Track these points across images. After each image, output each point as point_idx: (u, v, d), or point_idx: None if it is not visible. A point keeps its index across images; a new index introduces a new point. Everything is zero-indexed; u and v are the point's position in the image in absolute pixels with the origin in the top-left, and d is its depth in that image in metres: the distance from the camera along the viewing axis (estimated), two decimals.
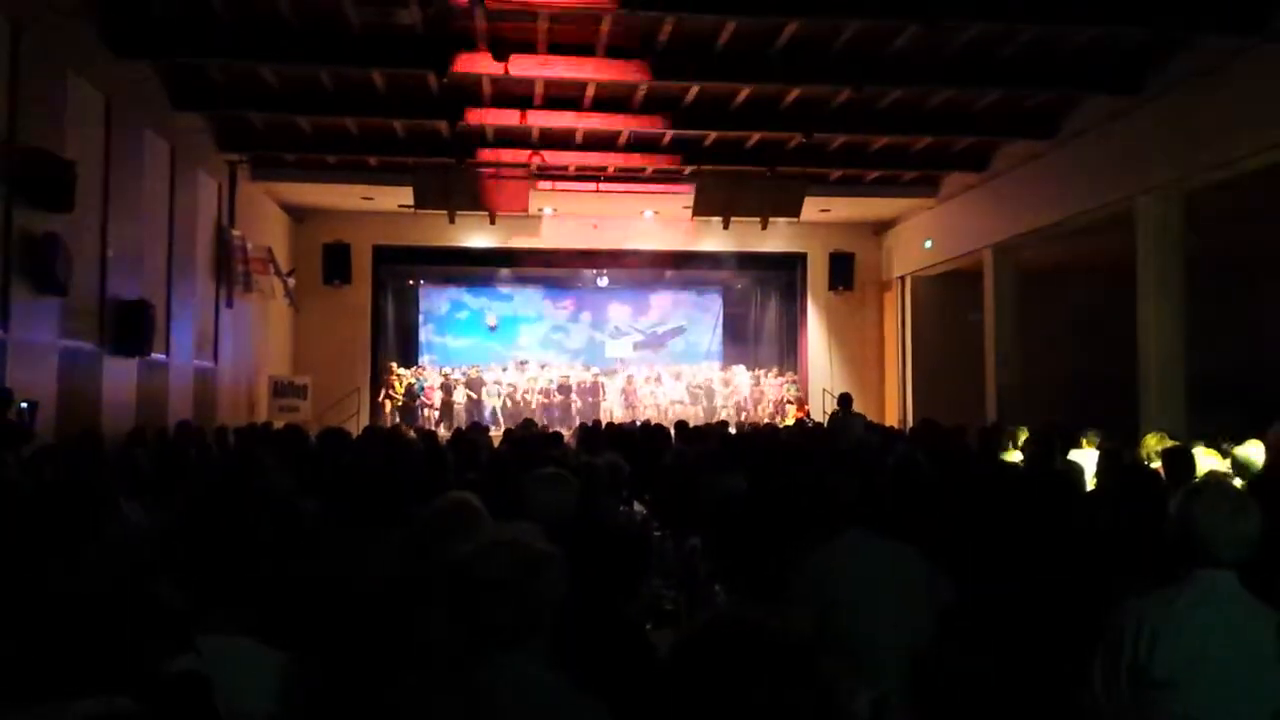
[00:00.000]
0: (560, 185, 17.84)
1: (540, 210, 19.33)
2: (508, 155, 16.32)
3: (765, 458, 8.08)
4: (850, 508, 4.21)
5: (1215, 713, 2.68)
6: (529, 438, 9.81)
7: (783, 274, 22.69)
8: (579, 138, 15.88)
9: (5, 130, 9.45)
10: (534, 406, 21.36)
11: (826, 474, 5.36)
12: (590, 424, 13.35)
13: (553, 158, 16.36)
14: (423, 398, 21.29)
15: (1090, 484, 6.18)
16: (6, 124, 9.47)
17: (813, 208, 18.01)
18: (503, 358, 23.14)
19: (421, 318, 23.70)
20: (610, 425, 13.27)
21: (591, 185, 17.74)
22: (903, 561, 3.91)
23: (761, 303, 24.27)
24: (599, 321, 24.46)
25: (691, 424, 13.50)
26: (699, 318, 24.86)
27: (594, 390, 22.10)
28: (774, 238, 19.68)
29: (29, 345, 9.76)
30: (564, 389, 21.93)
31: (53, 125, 10.24)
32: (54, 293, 10.06)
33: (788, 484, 5.89)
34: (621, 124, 15.07)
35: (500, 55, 12.01)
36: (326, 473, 5.80)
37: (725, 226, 17.98)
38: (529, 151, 15.92)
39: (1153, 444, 6.80)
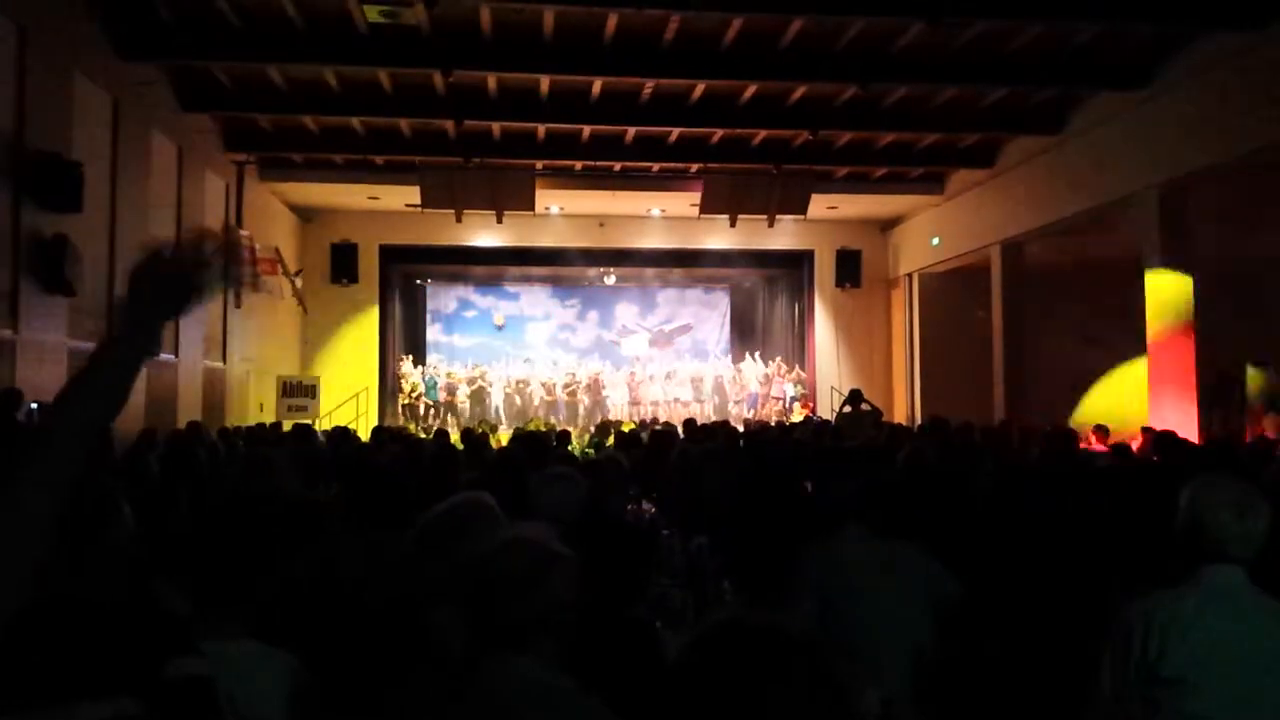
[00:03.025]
0: (567, 184, 17.87)
1: (547, 209, 19.33)
2: (514, 155, 16.33)
3: (772, 455, 8.06)
4: (855, 505, 4.19)
5: (1226, 710, 2.66)
6: (537, 436, 9.79)
7: (790, 271, 22.66)
8: (585, 137, 15.88)
9: (13, 132, 9.49)
10: (537, 404, 21.35)
11: (832, 471, 5.36)
12: (600, 423, 13.38)
13: (559, 157, 16.38)
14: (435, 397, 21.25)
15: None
16: (14, 126, 9.51)
17: (820, 205, 18.01)
18: (510, 357, 23.14)
19: (429, 317, 23.73)
20: (618, 424, 13.28)
21: (598, 184, 17.77)
22: (905, 559, 3.90)
23: (769, 300, 24.24)
24: (606, 320, 24.46)
25: (698, 421, 13.47)
26: (706, 315, 24.86)
27: (598, 388, 22.05)
28: (781, 235, 19.67)
29: (38, 345, 9.80)
30: (568, 387, 21.91)
31: (60, 127, 10.28)
32: (63, 293, 10.09)
33: (793, 482, 5.89)
34: (627, 123, 15.07)
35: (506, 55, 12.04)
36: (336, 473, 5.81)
37: (732, 224, 17.99)
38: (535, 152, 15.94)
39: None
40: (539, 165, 16.86)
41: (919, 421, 16.98)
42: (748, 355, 23.00)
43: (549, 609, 2.11)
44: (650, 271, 22.95)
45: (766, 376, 22.35)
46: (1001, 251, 17.12)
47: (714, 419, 16.97)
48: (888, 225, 21.39)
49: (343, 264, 20.21)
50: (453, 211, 17.08)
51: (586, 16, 11.51)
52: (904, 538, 3.99)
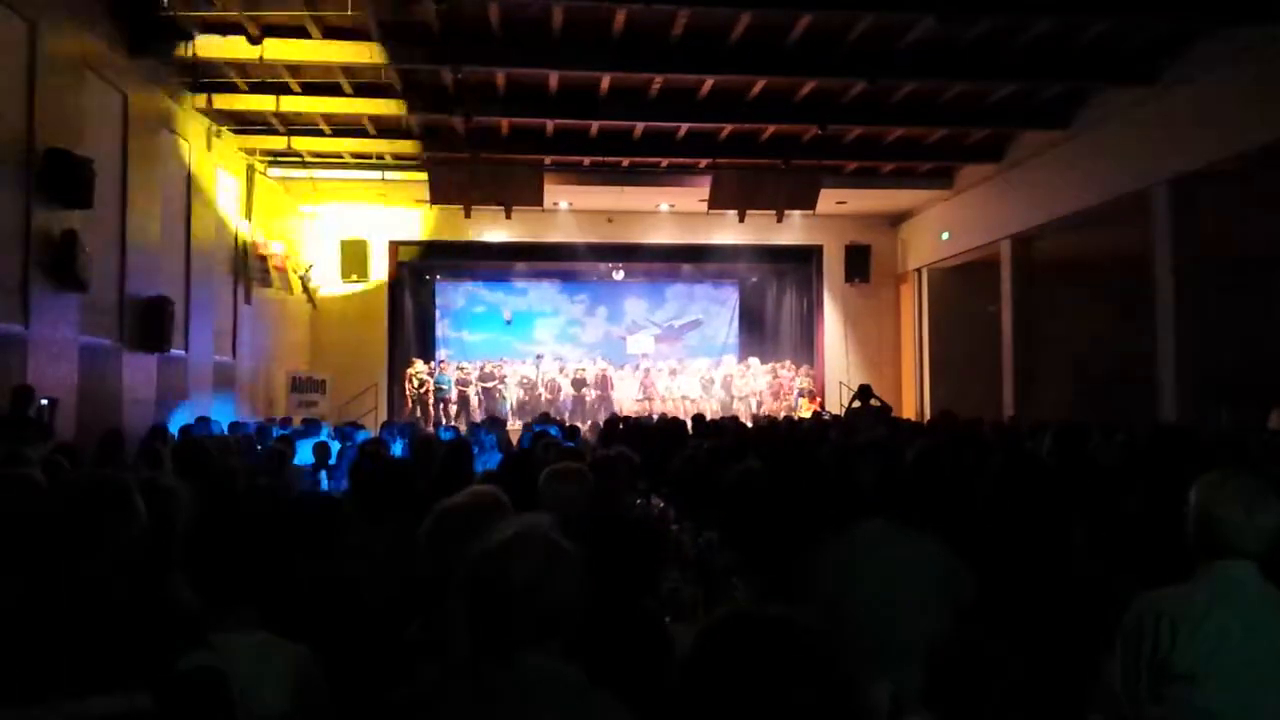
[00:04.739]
0: (575, 179, 17.89)
1: (555, 204, 19.33)
2: (522, 150, 16.34)
3: (781, 450, 8.04)
4: (867, 499, 4.19)
5: (1238, 705, 2.65)
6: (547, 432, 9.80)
7: (799, 266, 22.61)
8: (594, 132, 15.88)
9: (24, 129, 9.51)
10: (546, 400, 21.35)
11: (843, 465, 5.34)
12: (609, 418, 13.37)
13: (568, 152, 16.39)
14: (449, 394, 21.20)
15: None
16: (25, 123, 9.53)
17: (828, 200, 17.99)
18: (519, 352, 23.11)
19: (438, 312, 23.73)
20: (628, 419, 13.25)
21: (607, 179, 17.78)
22: (921, 553, 3.89)
23: (778, 295, 24.19)
24: (615, 315, 24.45)
25: (708, 417, 13.48)
26: (715, 311, 24.82)
27: (606, 384, 22.00)
28: (790, 230, 19.64)
29: (50, 342, 9.83)
30: (579, 383, 21.90)
31: (70, 124, 10.31)
32: (74, 290, 10.13)
33: (803, 476, 5.87)
34: (635, 118, 15.06)
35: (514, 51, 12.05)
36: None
37: (741, 219, 17.98)
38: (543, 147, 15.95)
39: None
40: (547, 161, 16.87)
41: (928, 416, 16.96)
42: (752, 360, 22.88)
43: (558, 609, 2.11)
44: (659, 267, 22.94)
45: (773, 370, 22.27)
46: (1011, 246, 17.09)
47: (721, 415, 16.98)
48: (897, 220, 21.34)
49: (352, 260, 20.22)
50: (461, 207, 17.10)
51: (595, 11, 11.51)
52: (921, 531, 3.98)
